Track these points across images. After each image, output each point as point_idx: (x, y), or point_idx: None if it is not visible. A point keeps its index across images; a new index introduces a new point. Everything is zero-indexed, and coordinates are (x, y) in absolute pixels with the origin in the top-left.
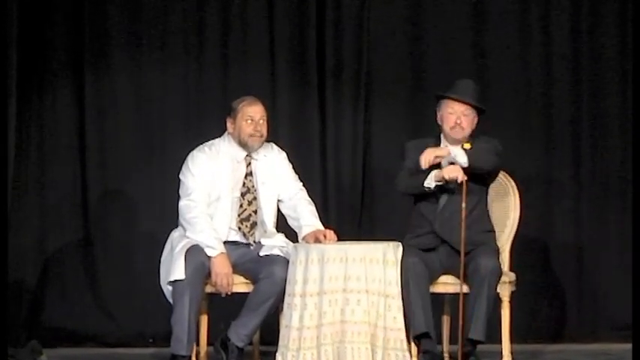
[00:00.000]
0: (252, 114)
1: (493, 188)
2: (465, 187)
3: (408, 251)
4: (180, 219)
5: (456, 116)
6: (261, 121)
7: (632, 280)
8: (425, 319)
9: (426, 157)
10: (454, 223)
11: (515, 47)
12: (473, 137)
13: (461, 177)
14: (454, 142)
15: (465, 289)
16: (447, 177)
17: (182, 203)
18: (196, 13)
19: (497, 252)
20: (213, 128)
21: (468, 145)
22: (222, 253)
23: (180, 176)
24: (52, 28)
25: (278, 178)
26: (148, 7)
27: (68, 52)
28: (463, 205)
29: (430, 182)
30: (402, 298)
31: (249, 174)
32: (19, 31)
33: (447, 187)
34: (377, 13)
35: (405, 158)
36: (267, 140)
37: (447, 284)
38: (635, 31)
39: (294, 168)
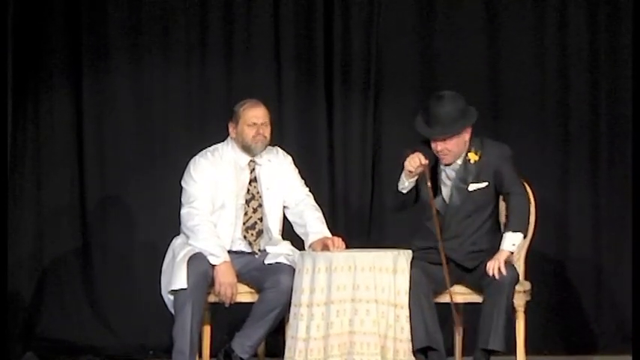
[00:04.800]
0: (254, 118)
1: None
2: (427, 169)
3: (412, 262)
4: (182, 227)
5: (436, 144)
6: (264, 125)
7: (632, 284)
8: (425, 332)
9: (414, 161)
10: (459, 241)
11: (530, 47)
12: (476, 145)
13: (423, 160)
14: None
15: (476, 297)
16: (411, 169)
17: (184, 211)
18: (199, 13)
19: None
20: (216, 133)
21: (474, 156)
22: (225, 261)
23: (182, 183)
24: (48, 28)
25: (283, 184)
26: (148, 5)
27: (65, 52)
28: (428, 184)
29: (402, 183)
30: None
31: (253, 180)
32: (15, 31)
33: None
34: (387, 12)
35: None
36: (273, 144)
37: (457, 294)
38: (634, 31)
39: (300, 173)
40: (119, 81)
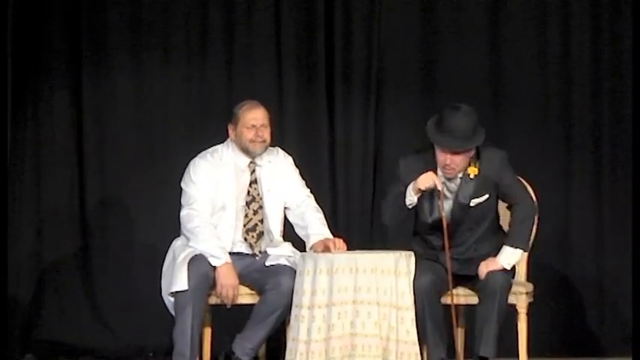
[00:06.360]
0: (253, 120)
1: None
2: (441, 193)
3: (419, 268)
4: (182, 229)
5: (445, 157)
6: (263, 127)
7: (633, 286)
8: (442, 346)
9: (427, 181)
10: (459, 250)
11: (533, 50)
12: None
13: (439, 184)
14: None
15: (475, 300)
16: (423, 187)
17: (183, 213)
18: (200, 12)
19: None
20: (217, 133)
21: (474, 170)
22: (227, 262)
23: (182, 184)
24: (48, 28)
25: (284, 185)
26: (148, 5)
27: (65, 52)
28: (443, 214)
29: (412, 198)
30: (416, 314)
31: (253, 181)
32: (15, 31)
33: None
34: (388, 12)
35: (396, 179)
36: (273, 145)
37: (459, 295)
38: (635, 32)
39: (301, 174)
40: (119, 81)
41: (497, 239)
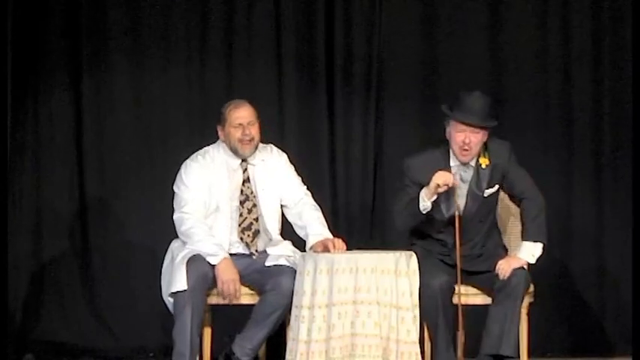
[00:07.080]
0: (239, 119)
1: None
2: (456, 190)
3: (432, 266)
4: (177, 232)
5: (464, 136)
6: (250, 124)
7: (633, 285)
8: (452, 349)
9: (443, 179)
10: (469, 245)
11: (533, 50)
12: (481, 147)
13: (452, 181)
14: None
15: (487, 299)
16: (440, 183)
17: (175, 216)
18: (199, 13)
19: None
20: (216, 134)
21: (485, 161)
22: (225, 258)
23: (174, 188)
24: (48, 28)
25: (279, 183)
26: (148, 6)
27: (65, 52)
28: (457, 213)
29: (425, 203)
30: (420, 315)
31: (246, 180)
32: (15, 31)
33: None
34: (389, 12)
35: (403, 182)
36: (270, 142)
37: (467, 295)
38: (635, 31)
39: (301, 174)
40: (119, 81)
41: (498, 235)
